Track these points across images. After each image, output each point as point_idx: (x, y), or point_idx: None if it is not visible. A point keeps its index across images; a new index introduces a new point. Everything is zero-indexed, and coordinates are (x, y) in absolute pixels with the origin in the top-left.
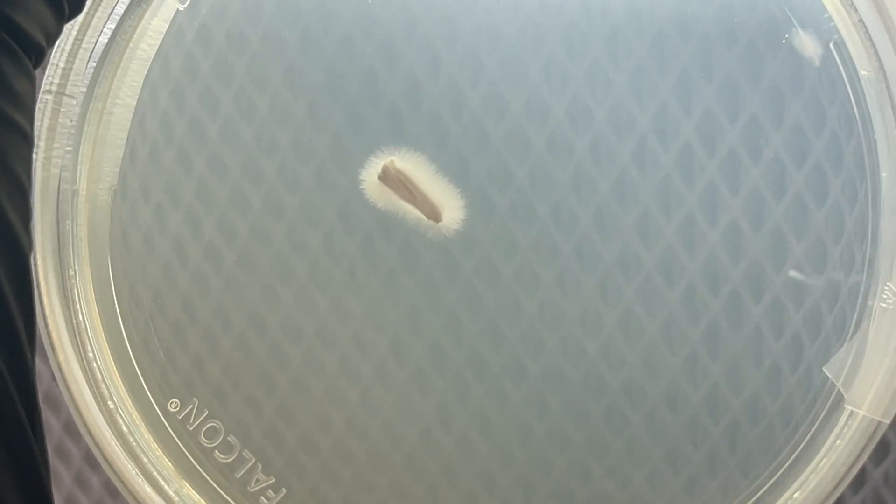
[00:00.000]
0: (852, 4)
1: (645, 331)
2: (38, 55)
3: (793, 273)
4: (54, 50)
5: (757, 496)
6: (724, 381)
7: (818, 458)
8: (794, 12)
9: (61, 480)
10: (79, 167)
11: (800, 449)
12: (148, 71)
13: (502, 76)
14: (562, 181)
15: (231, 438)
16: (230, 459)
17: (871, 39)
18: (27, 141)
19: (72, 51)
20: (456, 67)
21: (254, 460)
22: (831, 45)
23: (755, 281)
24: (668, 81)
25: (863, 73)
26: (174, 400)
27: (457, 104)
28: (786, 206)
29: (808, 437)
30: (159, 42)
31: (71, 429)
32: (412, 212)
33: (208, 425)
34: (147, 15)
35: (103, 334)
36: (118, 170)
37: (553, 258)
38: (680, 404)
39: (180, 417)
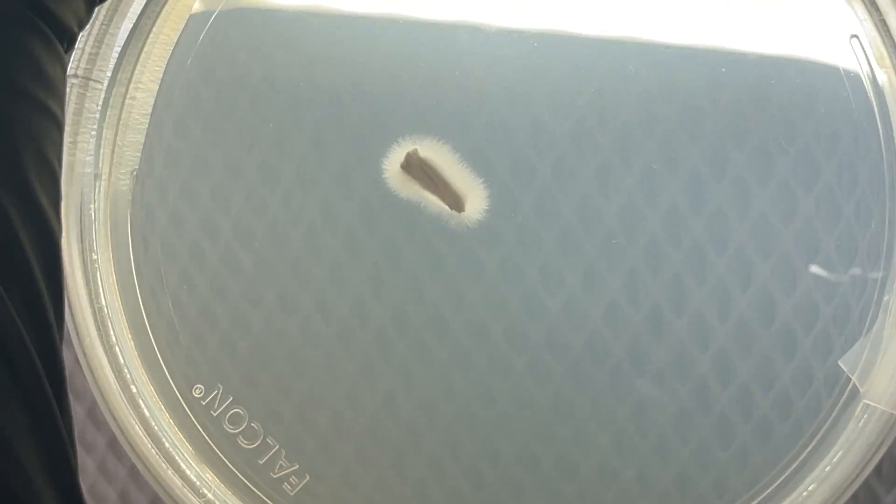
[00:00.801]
0: None
1: (672, 327)
2: (70, 41)
3: (815, 269)
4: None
5: (771, 488)
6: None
7: (834, 450)
8: None
9: (86, 470)
10: (101, 151)
11: (814, 442)
12: (171, 55)
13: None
14: (585, 177)
15: (255, 425)
16: (254, 446)
17: None
18: (59, 126)
19: (98, 35)
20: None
21: (277, 447)
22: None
23: (784, 276)
24: None
25: None
26: (199, 385)
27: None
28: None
29: (823, 430)
30: (183, 25)
31: (95, 417)
32: (435, 202)
33: (232, 411)
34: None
35: (125, 319)
36: (139, 154)
37: (578, 255)
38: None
39: (204, 403)
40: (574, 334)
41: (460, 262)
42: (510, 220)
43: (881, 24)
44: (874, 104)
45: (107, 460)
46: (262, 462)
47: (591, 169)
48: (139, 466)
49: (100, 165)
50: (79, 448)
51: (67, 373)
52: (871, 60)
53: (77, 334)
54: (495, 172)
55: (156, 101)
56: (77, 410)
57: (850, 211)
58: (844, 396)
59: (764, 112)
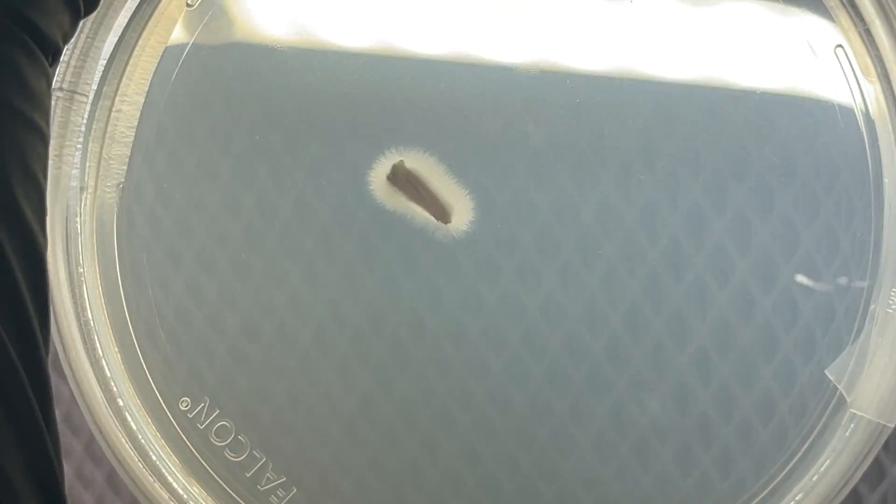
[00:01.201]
0: None
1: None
2: (55, 54)
3: (800, 278)
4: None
5: (761, 496)
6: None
7: (822, 459)
8: None
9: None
10: (87, 164)
11: (802, 451)
12: (156, 67)
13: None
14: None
15: (242, 437)
16: (241, 458)
17: None
18: (44, 140)
19: (84, 48)
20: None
21: (264, 459)
22: None
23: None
24: None
25: None
26: (185, 398)
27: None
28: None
29: (810, 439)
30: (168, 37)
31: (74, 425)
32: (421, 213)
33: (219, 424)
34: (156, 13)
35: (111, 332)
36: (125, 167)
37: (556, 254)
38: (690, 403)
39: (191, 416)
40: (552, 334)
41: (437, 263)
42: (488, 223)
43: (866, 34)
44: (861, 118)
45: (84, 465)
46: (248, 475)
47: (608, 173)
48: (125, 479)
49: (85, 178)
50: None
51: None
52: (857, 72)
53: (63, 348)
54: (480, 183)
55: (142, 113)
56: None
57: (831, 212)
58: (831, 406)
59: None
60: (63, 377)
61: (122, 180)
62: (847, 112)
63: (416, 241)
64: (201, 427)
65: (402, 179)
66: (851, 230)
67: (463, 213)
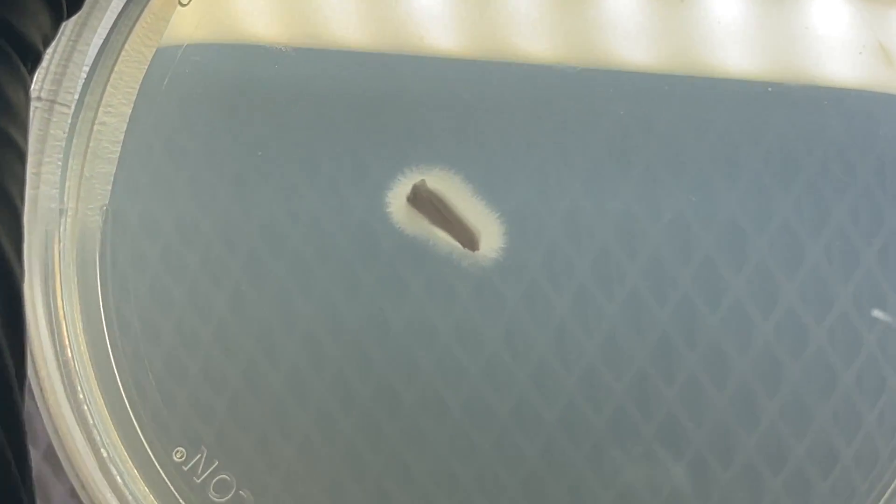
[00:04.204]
0: None
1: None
2: (35, 61)
3: (877, 313)
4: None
5: None
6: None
7: None
8: None
9: None
10: (67, 184)
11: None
12: (145, 74)
13: None
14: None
15: (244, 492)
16: None
17: None
18: (21, 157)
19: (65, 53)
20: None
21: None
22: None
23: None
24: None
25: None
26: (179, 448)
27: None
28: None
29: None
30: (159, 39)
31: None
32: (445, 238)
33: (218, 477)
34: (145, 13)
35: (94, 373)
36: (110, 187)
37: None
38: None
39: (186, 468)
40: (567, 376)
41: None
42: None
43: None
44: None
45: None
46: None
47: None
48: None
49: (66, 200)
50: None
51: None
52: None
53: (40, 390)
54: (512, 204)
55: (128, 127)
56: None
57: None
58: None
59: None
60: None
61: (106, 202)
62: None
63: (443, 269)
64: (198, 481)
65: (424, 201)
66: None
67: (492, 239)
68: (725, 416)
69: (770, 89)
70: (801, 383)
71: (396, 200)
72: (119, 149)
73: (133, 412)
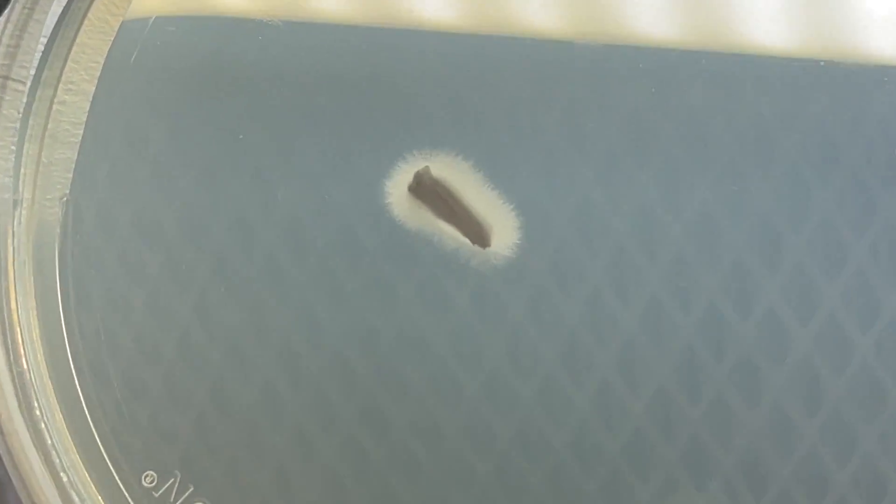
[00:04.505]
0: None
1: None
2: None
3: None
4: None
5: None
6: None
7: None
8: None
9: None
10: (22, 171)
11: None
12: (111, 47)
13: None
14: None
15: None
16: None
17: None
18: None
19: (19, 22)
20: None
21: None
22: None
23: None
24: None
25: None
26: (150, 472)
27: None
28: None
29: None
30: (127, 7)
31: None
32: (452, 233)
33: None
34: None
35: (52, 387)
36: (71, 174)
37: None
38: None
39: (157, 495)
40: (577, 396)
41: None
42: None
43: None
44: None
45: None
46: None
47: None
48: None
49: (21, 189)
50: None
51: None
52: None
53: None
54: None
55: (91, 106)
56: None
57: None
58: None
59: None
60: None
61: (67, 192)
62: None
63: (444, 270)
64: None
65: (429, 191)
66: None
67: (505, 234)
68: (758, 439)
69: (810, 67)
70: (843, 401)
71: (396, 190)
72: (81, 131)
73: (97, 431)
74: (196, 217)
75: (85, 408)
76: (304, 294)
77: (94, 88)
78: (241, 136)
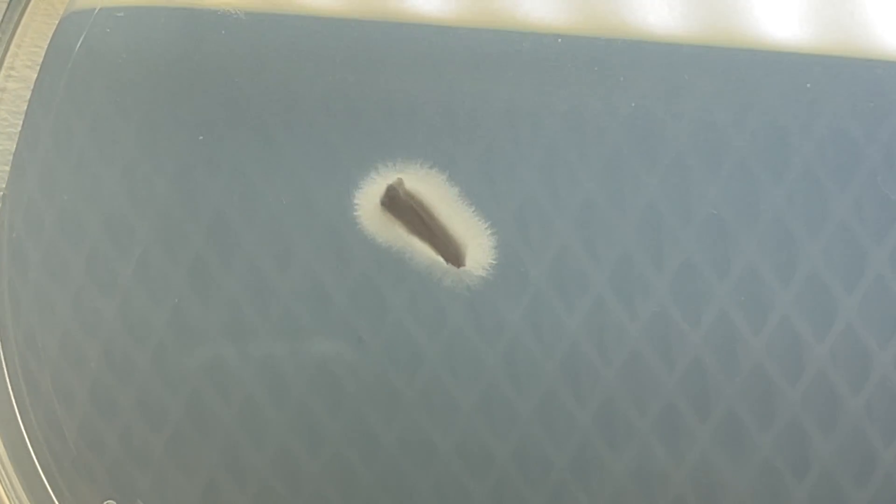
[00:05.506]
0: None
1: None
2: None
3: None
4: None
5: None
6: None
7: None
8: None
9: None
10: None
11: None
12: (54, 31)
13: None
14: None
15: None
16: None
17: None
18: None
19: None
20: None
21: None
22: None
23: None
24: None
25: None
26: (109, 502)
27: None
28: None
29: None
30: None
31: None
32: (424, 251)
33: None
34: None
35: None
36: (8, 168)
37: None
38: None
39: None
40: (581, 411)
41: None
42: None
43: None
44: None
45: None
46: None
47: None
48: None
49: None
50: None
51: None
52: None
53: None
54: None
55: (32, 94)
56: None
57: None
58: None
59: None
60: None
61: (4, 186)
62: None
63: (418, 287)
64: None
65: (401, 205)
66: None
67: (480, 252)
68: (771, 459)
69: (823, 64)
70: (862, 420)
71: (367, 203)
72: (21, 121)
73: (51, 455)
74: (159, 213)
75: (26, 435)
76: (284, 301)
77: (35, 75)
78: (200, 137)
